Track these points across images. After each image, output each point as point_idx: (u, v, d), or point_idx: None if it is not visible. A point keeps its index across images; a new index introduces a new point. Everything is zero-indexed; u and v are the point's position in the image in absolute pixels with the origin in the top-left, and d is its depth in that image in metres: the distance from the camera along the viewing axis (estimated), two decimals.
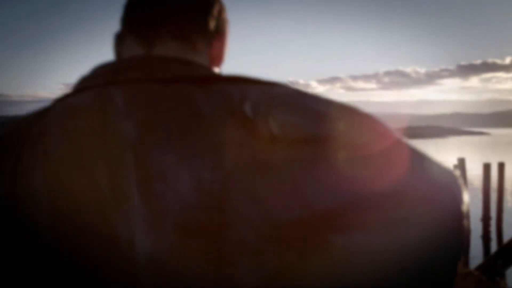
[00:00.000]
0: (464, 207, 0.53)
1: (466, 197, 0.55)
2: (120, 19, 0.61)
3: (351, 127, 0.50)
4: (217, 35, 0.61)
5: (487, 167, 12.93)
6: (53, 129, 0.49)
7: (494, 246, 10.75)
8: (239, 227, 0.44)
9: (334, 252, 0.45)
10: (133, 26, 0.58)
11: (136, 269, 0.44)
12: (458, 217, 0.53)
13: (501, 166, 12.74)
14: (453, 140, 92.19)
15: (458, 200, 0.53)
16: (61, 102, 0.52)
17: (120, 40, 0.60)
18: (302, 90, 0.52)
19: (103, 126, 0.48)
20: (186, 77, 0.52)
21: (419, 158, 0.53)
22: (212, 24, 0.60)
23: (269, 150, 0.46)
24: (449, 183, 0.55)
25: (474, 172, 21.41)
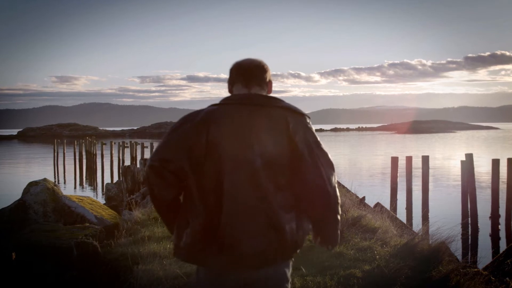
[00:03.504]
0: None
1: None
2: (231, 75, 2.04)
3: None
4: (269, 82, 2.07)
5: (495, 163, 12.62)
6: (223, 120, 1.89)
7: (503, 245, 10.48)
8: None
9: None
10: (240, 80, 2.02)
11: (256, 165, 1.86)
12: None
13: (510, 162, 12.40)
14: (461, 135, 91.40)
15: None
16: (220, 106, 1.94)
17: (231, 84, 2.04)
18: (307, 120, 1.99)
19: (241, 120, 1.90)
20: (269, 104, 1.94)
21: None
22: (267, 78, 2.05)
23: (294, 143, 1.90)
24: None
25: (483, 168, 21.11)
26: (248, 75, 1.99)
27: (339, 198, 1.94)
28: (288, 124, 1.89)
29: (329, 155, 1.95)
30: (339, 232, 1.98)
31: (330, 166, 1.92)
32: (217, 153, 1.85)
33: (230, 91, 2.04)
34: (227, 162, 1.84)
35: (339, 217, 1.95)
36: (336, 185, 1.94)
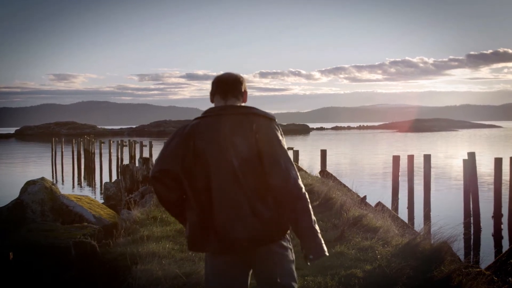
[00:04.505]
0: None
1: None
2: (212, 87, 2.50)
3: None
4: (244, 92, 2.52)
5: (498, 162, 12.56)
6: (205, 131, 2.35)
7: (505, 245, 10.42)
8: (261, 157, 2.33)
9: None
10: (218, 92, 2.47)
11: (234, 165, 2.28)
12: None
13: None
14: (463, 133, 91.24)
15: None
16: (202, 119, 2.40)
17: (213, 95, 2.49)
18: (273, 123, 2.39)
19: (218, 129, 2.33)
20: (240, 112, 2.38)
21: None
22: (242, 89, 2.50)
23: (255, 141, 2.30)
24: None
25: (485, 167, 21.04)
26: (226, 87, 2.43)
27: (302, 187, 2.27)
28: (253, 125, 2.29)
29: (287, 151, 2.33)
30: (321, 240, 2.27)
31: (288, 160, 2.28)
32: (203, 159, 2.29)
33: (211, 100, 2.49)
34: (212, 165, 2.29)
35: (311, 209, 2.28)
36: (298, 177, 2.28)
